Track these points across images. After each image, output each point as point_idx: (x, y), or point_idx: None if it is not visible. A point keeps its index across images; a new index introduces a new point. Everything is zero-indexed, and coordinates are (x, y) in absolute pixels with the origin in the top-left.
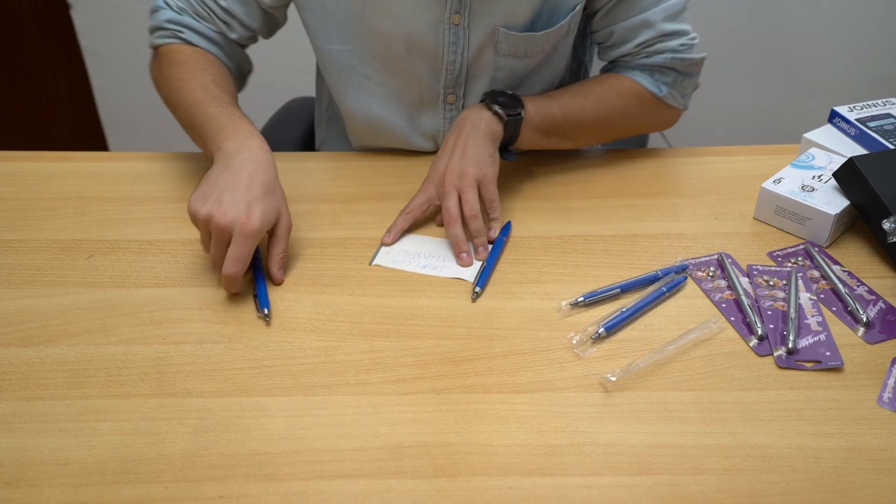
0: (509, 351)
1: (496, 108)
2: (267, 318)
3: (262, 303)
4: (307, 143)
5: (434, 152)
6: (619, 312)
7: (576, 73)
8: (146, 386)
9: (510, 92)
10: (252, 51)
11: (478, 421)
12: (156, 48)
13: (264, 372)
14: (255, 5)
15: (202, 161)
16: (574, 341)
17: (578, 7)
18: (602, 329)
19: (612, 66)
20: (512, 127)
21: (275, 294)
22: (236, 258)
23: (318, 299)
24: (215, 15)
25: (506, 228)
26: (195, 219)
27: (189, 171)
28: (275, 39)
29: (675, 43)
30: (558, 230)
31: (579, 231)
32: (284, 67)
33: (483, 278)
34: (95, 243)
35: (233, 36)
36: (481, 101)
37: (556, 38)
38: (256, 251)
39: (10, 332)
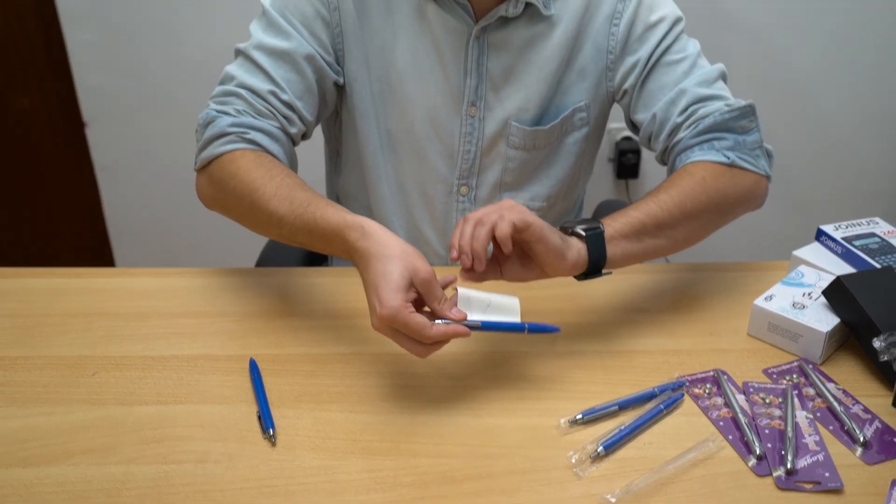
0: (509, 470)
1: (576, 227)
2: (272, 439)
3: (266, 424)
4: (313, 255)
5: (445, 252)
6: (617, 430)
7: (587, 173)
8: None
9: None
10: None
11: None
12: (214, 158)
13: (264, 492)
14: (314, 97)
15: (206, 276)
16: (573, 460)
17: (581, 104)
18: (601, 448)
19: (673, 159)
20: (594, 242)
21: (276, 410)
22: (411, 345)
23: (319, 416)
24: (277, 111)
25: (540, 326)
26: (382, 332)
27: (193, 287)
28: None
29: (717, 104)
30: (556, 346)
31: (577, 347)
32: None
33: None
34: (100, 359)
35: (293, 131)
36: (561, 228)
37: (561, 133)
38: (255, 371)
39: (11, 452)
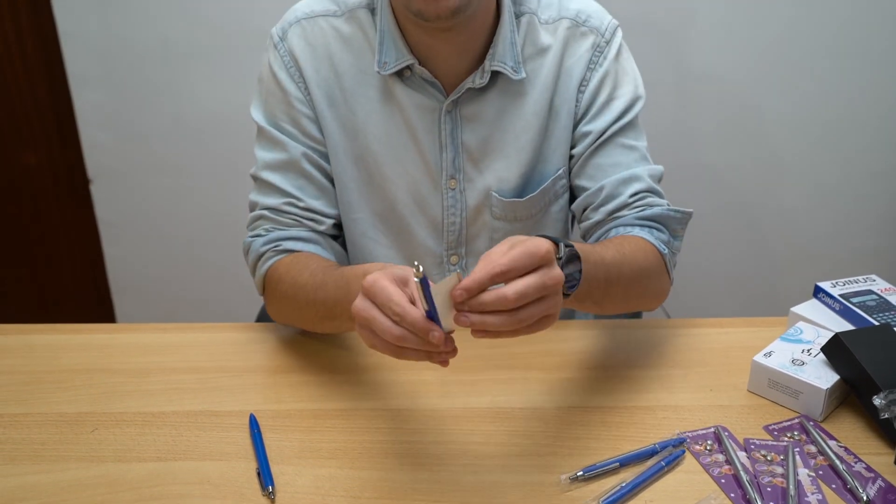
0: None
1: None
2: (272, 496)
3: (266, 481)
4: None
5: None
6: (618, 488)
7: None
8: None
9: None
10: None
11: None
12: (265, 278)
13: None
14: (329, 192)
15: (207, 332)
16: None
17: (561, 171)
18: None
19: (608, 230)
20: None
21: (276, 467)
22: (385, 327)
23: (318, 473)
24: (301, 217)
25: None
26: (358, 314)
27: (194, 342)
28: None
29: (663, 201)
30: (557, 401)
31: (577, 402)
32: None
33: None
34: (100, 416)
35: (322, 228)
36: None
37: (544, 203)
38: (255, 427)
39: None
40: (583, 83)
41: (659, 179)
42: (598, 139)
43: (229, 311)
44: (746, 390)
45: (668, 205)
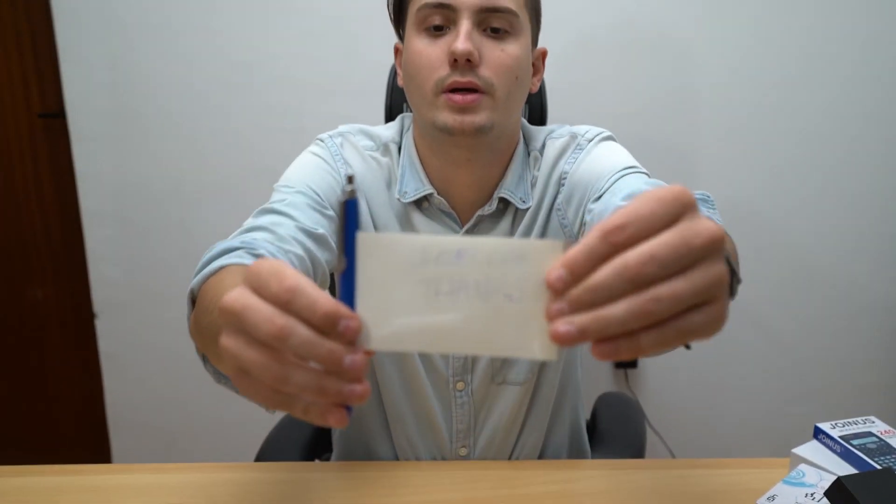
0: None
1: None
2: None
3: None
4: (310, 449)
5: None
6: None
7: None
8: None
9: None
10: None
11: None
12: (206, 280)
13: None
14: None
15: (204, 472)
16: None
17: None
18: None
19: None
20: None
21: None
22: (268, 316)
23: None
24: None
25: None
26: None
27: (191, 483)
28: None
29: None
30: None
31: None
32: None
33: None
34: None
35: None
36: None
37: None
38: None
39: None
40: (564, 176)
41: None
42: (600, 195)
43: (229, 448)
44: None
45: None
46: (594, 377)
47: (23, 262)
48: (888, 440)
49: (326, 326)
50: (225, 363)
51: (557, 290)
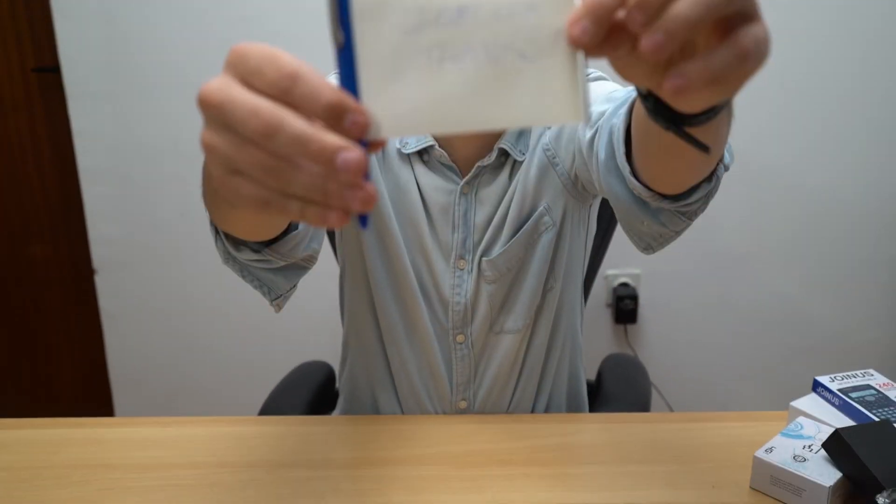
0: None
1: None
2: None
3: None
4: (313, 408)
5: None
6: None
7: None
8: None
9: None
10: (270, 324)
11: None
12: None
13: None
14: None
15: (207, 425)
16: None
17: (543, 206)
18: None
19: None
20: None
21: None
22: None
23: None
24: None
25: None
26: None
27: (194, 437)
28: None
29: None
30: (558, 497)
31: (578, 499)
32: (300, 335)
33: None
34: None
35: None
36: None
37: (529, 243)
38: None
39: None
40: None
41: None
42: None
43: (233, 402)
44: (749, 487)
45: None
46: (596, 331)
47: (21, 220)
48: (886, 393)
49: (331, 120)
50: (211, 164)
51: (583, 44)
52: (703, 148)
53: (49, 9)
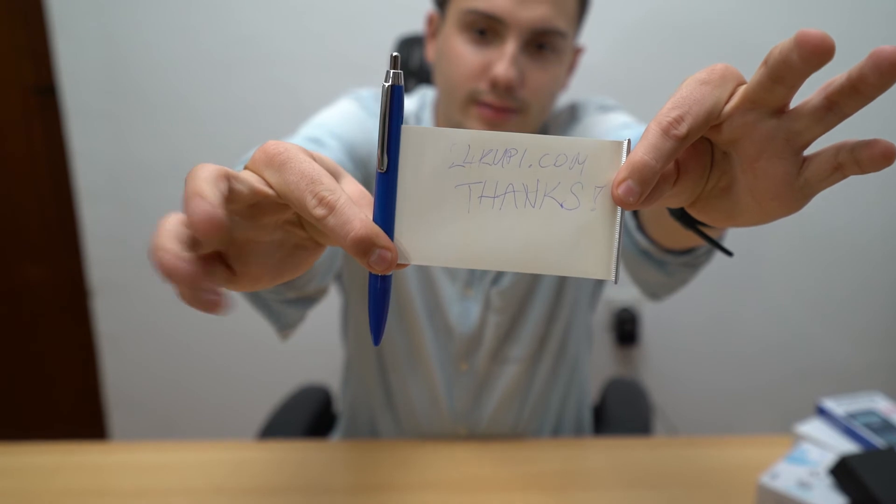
0: None
1: None
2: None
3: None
4: (311, 430)
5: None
6: None
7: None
8: None
9: None
10: (269, 346)
11: None
12: None
13: None
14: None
15: (203, 451)
16: None
17: None
18: None
19: None
20: None
21: None
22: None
23: None
24: None
25: None
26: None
27: (190, 462)
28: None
29: None
30: None
31: None
32: (298, 357)
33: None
34: None
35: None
36: None
37: (530, 279)
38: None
39: None
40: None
41: None
42: None
43: (230, 423)
44: None
45: None
46: (596, 357)
47: (17, 240)
48: (890, 418)
49: (358, 254)
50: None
51: (629, 204)
52: (728, 254)
53: (48, 29)
